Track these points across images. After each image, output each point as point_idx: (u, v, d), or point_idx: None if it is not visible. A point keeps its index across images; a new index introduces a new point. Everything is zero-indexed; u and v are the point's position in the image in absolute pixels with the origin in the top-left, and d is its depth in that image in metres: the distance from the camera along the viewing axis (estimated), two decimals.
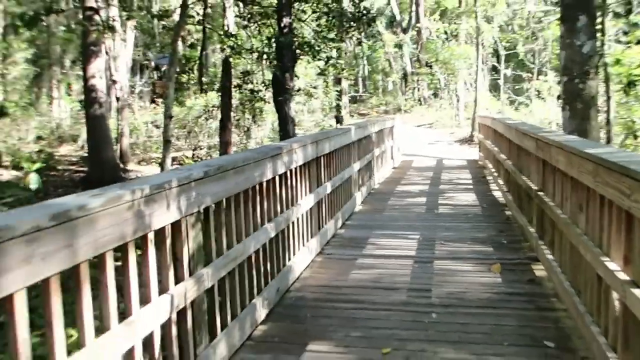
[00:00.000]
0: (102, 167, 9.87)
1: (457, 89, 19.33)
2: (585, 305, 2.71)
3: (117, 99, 10.95)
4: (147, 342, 1.97)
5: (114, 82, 10.67)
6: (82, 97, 18.47)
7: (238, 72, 10.34)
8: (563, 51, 4.62)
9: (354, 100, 25.85)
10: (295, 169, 3.77)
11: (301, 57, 7.84)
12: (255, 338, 2.91)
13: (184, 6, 7.16)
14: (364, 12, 7.28)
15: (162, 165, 7.68)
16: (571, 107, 4.53)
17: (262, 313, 3.08)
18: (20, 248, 1.33)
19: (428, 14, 23.97)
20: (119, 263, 1.85)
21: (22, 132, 13.00)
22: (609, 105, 6.95)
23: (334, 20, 7.43)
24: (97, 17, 8.96)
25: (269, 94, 10.37)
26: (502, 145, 6.82)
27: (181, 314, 2.20)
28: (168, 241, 2.11)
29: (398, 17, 26.08)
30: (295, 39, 7.26)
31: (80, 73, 16.86)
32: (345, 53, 16.55)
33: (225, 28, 12.27)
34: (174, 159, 10.64)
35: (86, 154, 12.35)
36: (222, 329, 2.58)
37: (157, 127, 15.09)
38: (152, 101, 17.76)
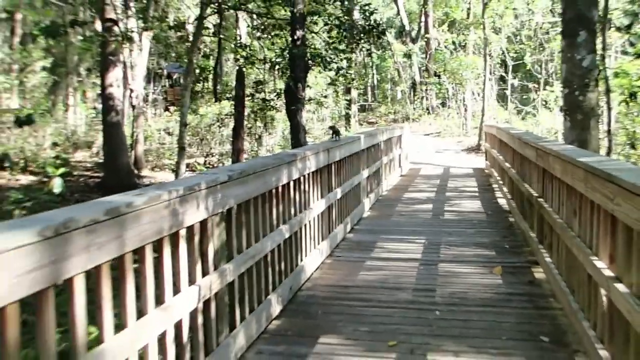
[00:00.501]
0: (118, 173, 10.18)
1: (464, 99, 19.53)
2: (578, 303, 2.90)
3: (133, 107, 11.29)
4: (177, 328, 2.20)
5: (131, 90, 11.02)
6: (97, 104, 18.97)
7: (250, 81, 10.65)
8: (564, 64, 4.82)
9: (363, 108, 26.12)
10: (308, 174, 4.01)
11: (312, 67, 8.10)
12: (270, 331, 3.14)
13: (201, 18, 7.46)
14: (375, 24, 7.53)
15: (176, 171, 7.96)
16: (572, 118, 4.73)
17: (276, 308, 3.30)
18: (82, 238, 1.58)
19: (437, 24, 24.25)
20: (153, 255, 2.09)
21: (39, 138, 13.39)
22: (609, 116, 7.13)
23: (345, 32, 7.70)
24: (116, 28, 9.32)
25: (280, 103, 10.68)
26: (506, 154, 7.01)
27: (206, 304, 2.43)
28: (196, 238, 2.35)
29: (407, 28, 26.39)
30: (307, 50, 7.53)
31: (96, 81, 17.36)
32: (355, 64, 16.85)
33: (238, 38, 12.62)
34: (187, 166, 10.93)
35: (101, 160, 12.70)
36: (241, 321, 2.81)
37: (170, 134, 15.44)
38: (166, 109, 18.17)
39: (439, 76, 21.57)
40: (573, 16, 4.63)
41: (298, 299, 3.65)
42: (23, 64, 13.55)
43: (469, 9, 22.26)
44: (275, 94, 10.17)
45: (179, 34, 11.71)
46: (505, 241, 5.06)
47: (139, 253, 1.94)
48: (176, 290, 2.19)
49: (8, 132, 12.40)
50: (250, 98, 9.86)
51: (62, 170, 6.37)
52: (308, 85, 8.45)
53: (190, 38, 13.25)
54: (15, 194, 7.04)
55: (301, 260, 3.89)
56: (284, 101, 7.80)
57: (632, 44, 10.41)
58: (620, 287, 2.14)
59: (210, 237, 2.46)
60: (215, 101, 10.75)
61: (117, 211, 1.73)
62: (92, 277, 1.72)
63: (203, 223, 2.39)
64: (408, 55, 24.86)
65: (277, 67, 8.89)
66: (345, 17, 7.96)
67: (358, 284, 3.97)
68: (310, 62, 7.73)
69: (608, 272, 2.32)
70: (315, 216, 4.24)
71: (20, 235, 1.37)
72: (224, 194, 2.53)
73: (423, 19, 25.10)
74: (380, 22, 8.40)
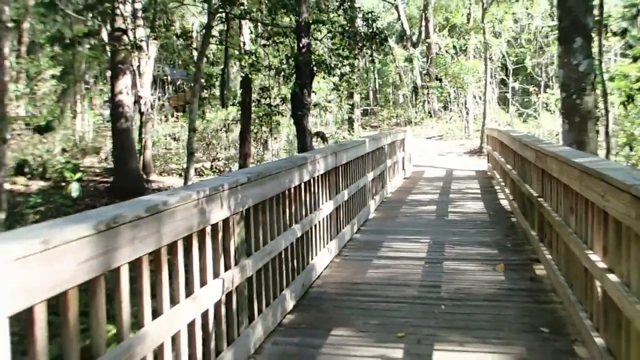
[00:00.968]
0: (127, 178, 10.41)
1: (466, 102, 19.74)
2: (576, 295, 3.09)
3: (142, 113, 11.53)
4: (204, 317, 2.39)
5: (140, 97, 11.26)
6: (102, 111, 19.24)
7: (256, 87, 10.88)
8: (561, 69, 5.02)
9: (365, 113, 26.34)
10: (318, 177, 4.20)
11: (317, 73, 8.31)
12: (285, 325, 3.32)
13: (209, 27, 7.69)
14: (377, 31, 7.74)
15: (186, 175, 8.16)
16: (569, 120, 4.92)
17: (290, 303, 3.49)
18: (128, 231, 1.77)
19: (437, 29, 24.49)
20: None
21: (48, 144, 13.64)
22: (607, 118, 7.32)
23: (349, 40, 7.91)
24: (125, 38, 9.56)
25: (284, 108, 10.90)
26: (507, 156, 7.20)
27: (229, 296, 2.62)
28: (220, 234, 2.54)
29: (408, 32, 26.64)
30: (312, 57, 7.74)
31: (103, 88, 17.63)
32: (358, 69, 17.07)
33: (241, 45, 12.83)
34: (194, 170, 11.13)
35: (109, 166, 12.94)
36: (258, 314, 3.00)
37: (175, 139, 15.68)
38: (171, 115, 18.43)
39: (440, 80, 21.79)
40: (569, 23, 4.83)
41: (310, 295, 3.83)
42: (34, 73, 13.84)
43: (469, 14, 22.49)
44: (280, 99, 10.38)
45: (184, 42, 11.95)
46: (507, 240, 5.23)
47: (172, 247, 2.14)
48: (203, 282, 2.39)
49: (18, 138, 12.65)
50: (256, 104, 10.08)
51: (79, 175, 6.58)
52: (313, 91, 8.66)
53: (195, 45, 13.54)
54: (33, 198, 7.26)
55: (312, 258, 4.08)
56: (290, 107, 8.00)
57: (630, 47, 10.61)
58: (612, 277, 2.32)
59: (232, 234, 2.65)
60: (223, 107, 10.98)
61: (156, 208, 1.92)
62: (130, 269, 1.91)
63: (225, 221, 2.58)
64: (409, 60, 25.10)
65: (282, 73, 9.10)
66: (349, 25, 8.16)
67: (366, 281, 4.15)
68: (315, 68, 7.93)
69: (601, 264, 2.50)
70: (325, 217, 4.43)
71: (80, 228, 1.56)
72: (244, 194, 2.73)
73: (423, 23, 25.35)
74: (383, 29, 8.62)
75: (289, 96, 9.34)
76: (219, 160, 12.86)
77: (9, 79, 14.77)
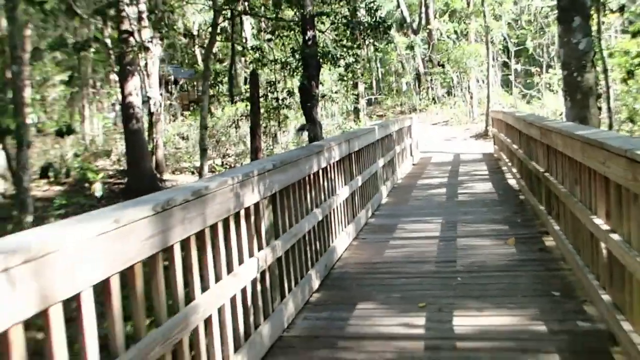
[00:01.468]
0: (142, 178, 10.67)
1: (469, 86, 19.82)
2: (583, 260, 3.29)
3: (151, 113, 11.78)
4: (243, 292, 2.62)
5: (149, 98, 11.50)
6: (109, 114, 19.51)
7: (262, 82, 11.07)
8: (561, 49, 5.19)
9: (370, 102, 26.46)
10: (333, 163, 4.41)
11: (323, 65, 8.50)
12: (312, 302, 3.55)
13: (215, 25, 7.89)
14: (380, 21, 7.91)
15: (200, 172, 8.40)
16: (571, 98, 5.09)
17: (315, 283, 3.72)
18: (179, 213, 2.00)
19: (438, 15, 24.49)
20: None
21: (61, 149, 13.94)
22: (608, 94, 7.46)
23: (353, 30, 8.09)
24: (132, 39, 9.78)
25: (292, 101, 11.09)
26: (513, 136, 7.37)
27: (262, 274, 2.85)
28: (252, 217, 2.77)
29: (408, 19, 26.64)
30: (318, 49, 7.92)
31: (110, 91, 17.89)
32: (362, 59, 17.22)
33: (244, 40, 13.03)
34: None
35: (121, 167, 13.21)
36: (289, 291, 3.23)
37: (183, 138, 15.94)
38: (178, 114, 18.69)
39: (442, 66, 21.86)
40: (567, 3, 4.99)
41: (332, 275, 4.06)
42: (42, 79, 14.11)
43: None
44: (287, 93, 10.58)
45: (187, 40, 12.17)
46: (517, 216, 5.43)
47: (213, 228, 2.36)
48: (240, 260, 2.61)
49: (31, 145, 12.95)
50: (263, 98, 10.29)
51: (101, 174, 6.84)
52: (320, 82, 8.84)
53: (198, 43, 13.77)
54: (59, 200, 7.55)
55: (332, 241, 4.30)
56: (298, 99, 8.21)
57: (631, 23, 10.69)
58: (615, 236, 2.53)
59: (262, 217, 2.87)
60: (232, 103, 11.19)
61: (200, 192, 2.15)
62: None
63: (256, 205, 2.81)
64: (411, 47, 25.12)
65: (288, 67, 9.30)
66: (351, 16, 8.32)
67: (385, 260, 4.37)
68: (321, 60, 8.12)
69: (605, 227, 2.71)
70: (341, 201, 4.64)
71: (142, 209, 1.79)
72: (271, 180, 2.95)
73: (423, 10, 25.35)
74: (385, 19, 8.78)
75: (295, 89, 9.55)
76: (229, 157, 13.10)
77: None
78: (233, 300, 2.50)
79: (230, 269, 2.50)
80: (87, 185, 8.87)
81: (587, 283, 3.15)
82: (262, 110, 10.50)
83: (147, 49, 9.35)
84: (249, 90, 9.51)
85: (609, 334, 2.65)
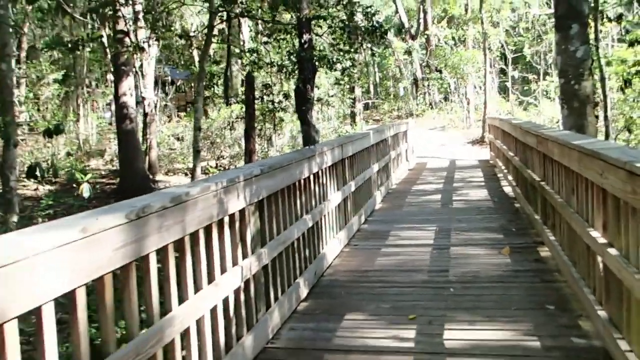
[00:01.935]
0: (134, 178, 10.54)
1: (466, 92, 19.80)
2: (579, 273, 3.20)
3: (146, 114, 11.67)
4: (225, 303, 2.52)
5: (143, 98, 11.39)
6: (105, 114, 19.38)
7: (258, 84, 10.98)
8: (559, 56, 5.12)
9: (367, 107, 26.42)
10: (326, 168, 4.32)
11: (319, 68, 8.41)
12: (300, 311, 3.44)
13: (210, 27, 7.80)
14: (377, 25, 7.84)
15: (192, 174, 8.29)
16: (569, 106, 5.02)
17: (304, 291, 3.62)
18: (155, 220, 1.90)
19: (436, 21, 24.51)
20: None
21: (53, 148, 13.80)
22: (605, 103, 7.41)
23: (349, 34, 8.01)
24: (127, 40, 9.68)
25: (287, 104, 11.01)
26: (509, 143, 7.30)
27: (247, 283, 2.75)
28: (237, 224, 2.66)
29: (406, 25, 26.66)
30: (314, 53, 7.83)
31: (105, 91, 17.76)
32: (359, 63, 17.18)
33: (242, 43, 12.94)
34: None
35: (114, 168, 13.08)
36: (275, 301, 3.12)
37: (178, 139, 15.82)
38: (171, 115, 18.57)
39: (440, 71, 21.85)
40: (565, 11, 4.93)
41: (322, 283, 3.96)
42: (36, 78, 13.99)
43: (466, 4, 22.51)
44: (282, 96, 10.49)
45: (184, 42, 12.08)
46: (512, 225, 5.34)
47: (194, 236, 2.26)
48: (223, 269, 2.51)
49: (23, 143, 12.81)
50: (259, 100, 10.20)
51: (89, 175, 6.73)
52: (316, 86, 8.76)
53: (195, 45, 13.67)
54: (45, 200, 7.42)
55: (322, 248, 4.20)
56: (294, 102, 8.12)
57: (628, 32, 10.67)
58: (612, 251, 2.44)
59: (248, 224, 2.77)
60: (227, 105, 11.10)
61: (180, 199, 2.05)
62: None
63: (242, 211, 2.71)
64: (409, 52, 25.13)
65: (284, 70, 9.21)
66: (348, 20, 8.25)
67: (376, 268, 4.27)
68: (317, 63, 8.03)
69: (602, 240, 2.62)
70: (333, 207, 4.55)
71: (113, 217, 1.69)
72: (258, 185, 2.85)
73: (422, 16, 25.37)
74: (382, 23, 8.71)
75: (291, 92, 9.46)
76: (223, 159, 13.00)
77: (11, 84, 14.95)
78: (213, 311, 2.40)
79: (211, 279, 2.39)
80: (76, 185, 8.74)
81: (583, 297, 3.06)
82: (257, 113, 10.42)
83: (142, 50, 9.25)
84: (244, 92, 9.43)
85: (605, 352, 2.55)
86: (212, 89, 10.64)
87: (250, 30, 16.98)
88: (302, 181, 3.72)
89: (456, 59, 19.17)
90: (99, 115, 17.35)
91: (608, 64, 7.74)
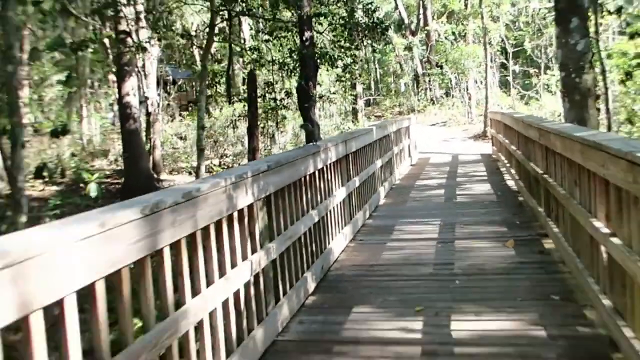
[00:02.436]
0: (139, 178, 10.61)
1: (468, 87, 19.80)
2: (583, 263, 3.24)
3: (149, 113, 11.72)
4: (236, 296, 2.57)
5: (146, 98, 11.45)
6: (108, 114, 19.45)
7: (260, 82, 11.02)
8: (559, 50, 5.15)
9: (368, 103, 26.44)
10: (330, 164, 4.36)
11: (321, 66, 8.44)
12: (308, 305, 3.49)
13: (212, 26, 7.83)
14: (377, 22, 7.87)
15: (197, 173, 8.35)
16: (570, 99, 5.05)
17: (311, 285, 3.67)
18: (168, 215, 1.95)
19: (436, 16, 24.48)
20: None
21: (58, 149, 13.87)
22: (607, 95, 7.42)
23: (350, 31, 8.04)
24: (129, 40, 9.73)
25: (289, 102, 11.04)
26: (512, 137, 7.33)
27: (256, 278, 2.80)
28: (246, 219, 2.71)
29: (406, 21, 26.64)
30: (315, 50, 7.86)
31: (108, 91, 17.83)
32: (360, 59, 17.17)
33: (242, 41, 12.96)
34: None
35: (118, 167, 13.15)
36: (283, 295, 3.17)
37: (181, 138, 15.88)
38: (175, 115, 18.63)
39: (441, 67, 21.84)
40: (565, 4, 4.95)
41: (329, 278, 4.00)
42: (39, 79, 14.06)
43: None
44: (285, 93, 10.53)
45: (185, 40, 12.11)
46: (516, 218, 5.38)
47: (205, 231, 2.31)
48: (233, 263, 2.56)
49: (28, 145, 12.87)
50: (261, 99, 10.23)
51: (96, 175, 6.78)
52: (318, 83, 8.79)
53: (196, 44, 13.70)
54: (54, 200, 7.49)
55: (329, 243, 4.25)
56: (296, 100, 8.16)
57: (629, 24, 10.65)
58: (616, 240, 2.48)
59: (256, 219, 2.82)
60: (229, 103, 11.14)
61: (191, 194, 2.09)
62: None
63: (250, 207, 2.75)
64: (409, 48, 25.12)
65: (285, 67, 9.24)
66: (349, 17, 8.28)
67: (382, 262, 4.31)
68: (318, 61, 8.06)
69: (605, 230, 2.66)
70: (338, 203, 4.59)
71: (130, 212, 1.74)
72: (265, 181, 2.90)
73: (421, 11, 25.34)
74: (383, 20, 8.73)
75: (293, 90, 9.49)
76: (227, 157, 13.05)
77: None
78: (225, 304, 2.45)
79: (222, 273, 2.44)
80: (83, 185, 8.80)
81: (587, 287, 3.10)
82: (259, 111, 10.45)
83: (144, 50, 9.29)
84: (246, 90, 9.47)
85: (610, 340, 2.59)
86: (215, 87, 10.69)
87: (251, 29, 17.02)
88: (308, 177, 3.76)
89: (457, 54, 19.17)
90: (102, 115, 17.42)
91: (609, 56, 7.73)
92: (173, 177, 12.19)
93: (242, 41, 15.14)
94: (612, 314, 2.56)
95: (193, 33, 16.61)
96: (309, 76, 7.15)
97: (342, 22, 8.40)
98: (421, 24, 25.36)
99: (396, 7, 27.15)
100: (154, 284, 1.95)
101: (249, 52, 9.46)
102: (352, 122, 17.81)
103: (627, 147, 2.19)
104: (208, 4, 8.40)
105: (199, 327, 2.20)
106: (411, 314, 3.20)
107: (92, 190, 5.90)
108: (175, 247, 2.07)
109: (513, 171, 7.39)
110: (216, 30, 10.87)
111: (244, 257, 2.67)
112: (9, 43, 6.31)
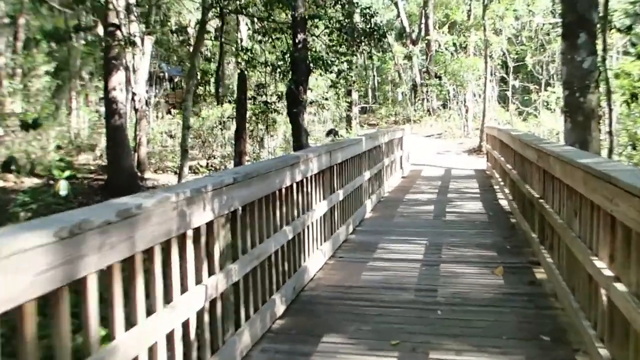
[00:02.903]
0: (121, 175, 10.25)
1: (465, 100, 19.58)
2: (579, 302, 2.95)
3: (136, 110, 11.37)
4: (185, 326, 2.25)
5: (134, 94, 11.10)
6: (99, 108, 19.06)
7: (252, 84, 10.73)
8: (564, 66, 4.87)
9: (364, 110, 26.19)
10: (311, 177, 4.06)
11: (314, 70, 8.16)
12: (275, 330, 3.18)
13: (203, 22, 7.53)
14: (375, 27, 7.60)
15: (179, 173, 8.02)
16: (572, 119, 4.77)
17: (280, 308, 3.35)
18: (95, 238, 1.63)
19: (437, 26, 24.32)
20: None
21: (42, 141, 13.47)
22: (610, 117, 7.17)
23: (346, 36, 7.77)
24: (118, 33, 9.40)
25: (281, 105, 10.75)
26: (507, 155, 7.06)
27: (213, 303, 2.48)
28: (203, 238, 2.40)
29: (408, 29, 26.47)
30: (308, 54, 7.58)
31: (98, 85, 17.43)
32: (356, 66, 16.91)
33: (240, 41, 12.66)
34: (189, 168, 10.98)
35: (104, 163, 12.77)
36: (246, 320, 2.86)
37: (172, 136, 15.52)
38: (168, 112, 18.29)
39: (439, 78, 21.63)
40: (573, 19, 4.68)
41: (301, 299, 3.69)
42: (27, 69, 13.68)
43: (469, 10, 22.32)
44: (276, 96, 10.23)
45: (180, 37, 11.80)
46: (507, 242, 5.09)
47: (148, 253, 1.99)
48: (184, 289, 2.24)
49: (13, 135, 12.49)
50: (252, 101, 9.93)
51: (67, 172, 6.42)
52: (309, 88, 8.50)
53: (192, 41, 13.38)
54: (22, 196, 7.13)
55: (304, 260, 3.94)
56: (286, 104, 7.87)
57: (634, 45, 10.45)
58: (620, 286, 2.18)
59: (217, 237, 2.51)
60: (218, 104, 10.82)
61: (128, 212, 1.78)
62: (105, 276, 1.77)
63: (209, 224, 2.44)
64: (409, 57, 24.93)
65: (278, 70, 8.95)
66: (346, 20, 8.01)
67: (361, 284, 4.01)
68: (311, 65, 7.78)
69: (608, 272, 2.36)
70: (318, 217, 4.29)
71: (38, 235, 1.42)
72: (230, 195, 2.58)
73: (423, 20, 25.17)
74: (381, 25, 8.47)
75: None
76: (215, 158, 12.71)
77: (4, 75, 14.63)
78: (170, 336, 2.13)
79: (169, 300, 2.13)
80: (53, 182, 8.46)
81: (582, 329, 2.80)
82: (250, 113, 10.15)
83: (133, 44, 8.97)
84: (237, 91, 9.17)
85: None
86: (205, 87, 10.38)
87: (249, 29, 16.74)
88: (284, 190, 3.45)
89: (456, 65, 18.96)
90: (92, 109, 17.03)
91: (616, 76, 7.47)
92: (158, 176, 11.83)
93: (240, 41, 14.85)
94: None
95: (191, 31, 16.34)
96: (300, 80, 6.88)
97: (338, 25, 8.13)
98: (422, 33, 25.19)
99: (398, 15, 26.99)
100: (77, 317, 1.64)
101: (241, 53, 9.14)
102: (346, 129, 17.54)
103: None
104: (201, 0, 8.09)
105: None
106: (386, 348, 2.90)
107: (62, 188, 5.56)
108: (106, 274, 1.75)
109: (507, 190, 7.11)
110: (212, 29, 10.59)
111: (198, 281, 2.36)
112: None
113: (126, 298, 1.89)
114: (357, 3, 7.98)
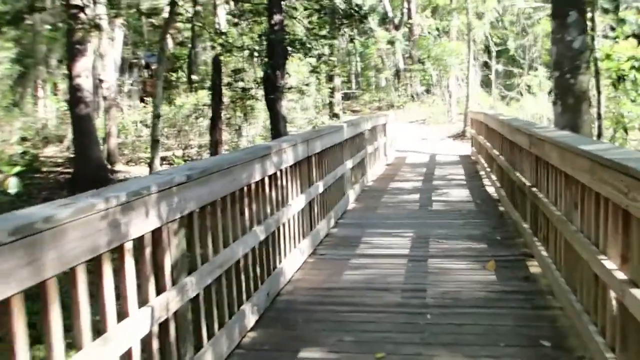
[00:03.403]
0: (89, 167, 9.70)
1: (449, 85, 19.30)
2: (582, 304, 2.64)
3: (104, 98, 10.79)
4: (125, 359, 1.87)
5: (101, 81, 10.50)
6: (69, 96, 18.29)
7: (229, 70, 10.22)
8: (554, 46, 4.56)
9: (347, 97, 25.75)
10: (286, 169, 3.68)
11: (292, 54, 7.73)
12: (245, 346, 2.82)
13: (173, 3, 7.02)
14: (356, 9, 7.19)
15: (150, 165, 7.58)
16: (563, 102, 4.47)
17: (251, 319, 2.99)
18: None
19: (420, 10, 23.89)
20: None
21: (5, 133, 12.79)
22: (599, 99, 6.91)
23: (326, 17, 7.34)
24: (82, 16, 8.79)
25: (260, 92, 10.28)
26: (494, 141, 6.76)
27: (163, 326, 2.09)
28: (148, 250, 2.01)
29: (390, 14, 25.98)
30: (286, 36, 7.15)
31: (67, 72, 16.66)
32: (338, 50, 16.45)
33: (217, 26, 12.11)
34: (163, 159, 10.51)
35: (72, 155, 12.18)
36: (208, 339, 2.48)
37: (147, 126, 14.89)
38: (142, 100, 17.59)
39: (422, 63, 21.26)
40: None
41: (277, 306, 3.34)
42: None
43: None
44: (255, 82, 9.77)
45: (151, 20, 11.20)
46: (497, 232, 4.81)
47: (69, 276, 1.60)
48: (123, 315, 1.86)
49: None
50: (228, 87, 9.45)
51: (17, 168, 5.88)
52: (288, 74, 8.07)
53: (157, 23, 12.75)
54: None
55: (280, 262, 3.57)
56: (263, 90, 7.43)
57: (612, 28, 10.22)
58: (636, 292, 1.87)
59: (167, 248, 2.12)
60: (191, 91, 10.31)
61: (30, 229, 1.38)
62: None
63: (156, 233, 2.05)
64: (391, 42, 24.48)
65: (255, 54, 8.50)
66: (326, 1, 7.58)
67: (342, 285, 3.67)
68: (290, 48, 7.35)
69: (620, 275, 2.05)
70: (295, 213, 3.92)
71: None
72: (182, 197, 2.19)
73: (406, 5, 24.68)
74: (362, 6, 8.05)
75: None
76: (191, 148, 12.21)
77: None
78: None
79: (101, 332, 1.74)
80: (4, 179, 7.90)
81: (587, 335, 2.50)
82: (226, 100, 9.68)
83: (99, 27, 8.39)
84: (211, 77, 8.68)
85: None
86: (178, 72, 9.86)
87: (227, 13, 16.11)
88: (253, 185, 3.07)
89: (439, 50, 18.59)
90: (60, 98, 16.27)
91: (608, 57, 7.18)
92: (130, 168, 11.29)
93: (218, 25, 14.25)
94: None
95: (165, 15, 15.65)
96: (277, 64, 6.46)
97: (318, 7, 7.69)
98: (405, 17, 24.72)
99: (380, 0, 26.46)
100: None
101: (216, 37, 8.64)
102: (329, 116, 17.12)
103: None
104: None
105: None
106: None
107: (12, 185, 5.06)
108: (3, 310, 1.36)
109: (494, 177, 6.83)
110: (190, 13, 10.02)
111: (143, 303, 1.97)
112: None
113: (39, 338, 1.51)
114: None
